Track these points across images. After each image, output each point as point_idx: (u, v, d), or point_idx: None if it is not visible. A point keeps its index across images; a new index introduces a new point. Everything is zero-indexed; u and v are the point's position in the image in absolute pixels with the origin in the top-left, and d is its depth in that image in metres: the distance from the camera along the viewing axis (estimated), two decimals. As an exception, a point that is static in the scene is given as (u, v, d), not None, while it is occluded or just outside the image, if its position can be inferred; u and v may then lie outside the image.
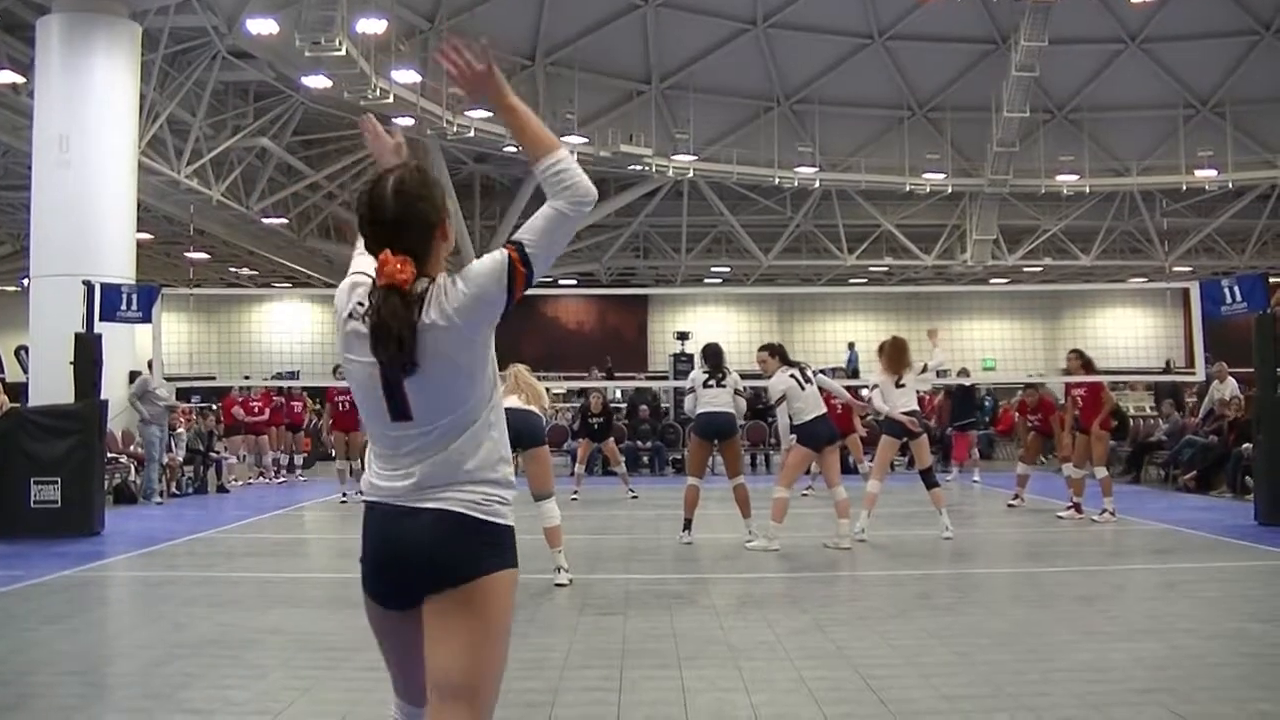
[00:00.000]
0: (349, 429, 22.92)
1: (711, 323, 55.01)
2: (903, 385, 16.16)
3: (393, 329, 4.02)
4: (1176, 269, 52.97)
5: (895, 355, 16.33)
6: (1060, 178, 49.18)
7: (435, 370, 4.11)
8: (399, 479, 4.28)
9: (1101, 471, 18.22)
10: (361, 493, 4.45)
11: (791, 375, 15.19)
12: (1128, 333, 54.22)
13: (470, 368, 4.21)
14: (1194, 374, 20.94)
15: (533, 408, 12.56)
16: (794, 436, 14.98)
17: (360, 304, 4.21)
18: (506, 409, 4.70)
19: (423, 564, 4.27)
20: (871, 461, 17.53)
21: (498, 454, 4.29)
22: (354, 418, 21.79)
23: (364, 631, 9.51)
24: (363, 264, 4.48)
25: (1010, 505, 20.08)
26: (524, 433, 11.90)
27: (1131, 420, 28.93)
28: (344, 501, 21.72)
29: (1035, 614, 10.49)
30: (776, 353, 15.65)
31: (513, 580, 4.44)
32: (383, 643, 4.86)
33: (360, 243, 4.48)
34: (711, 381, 15.47)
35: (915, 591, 11.83)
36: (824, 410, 15.40)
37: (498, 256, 4.20)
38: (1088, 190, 49.97)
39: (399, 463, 4.28)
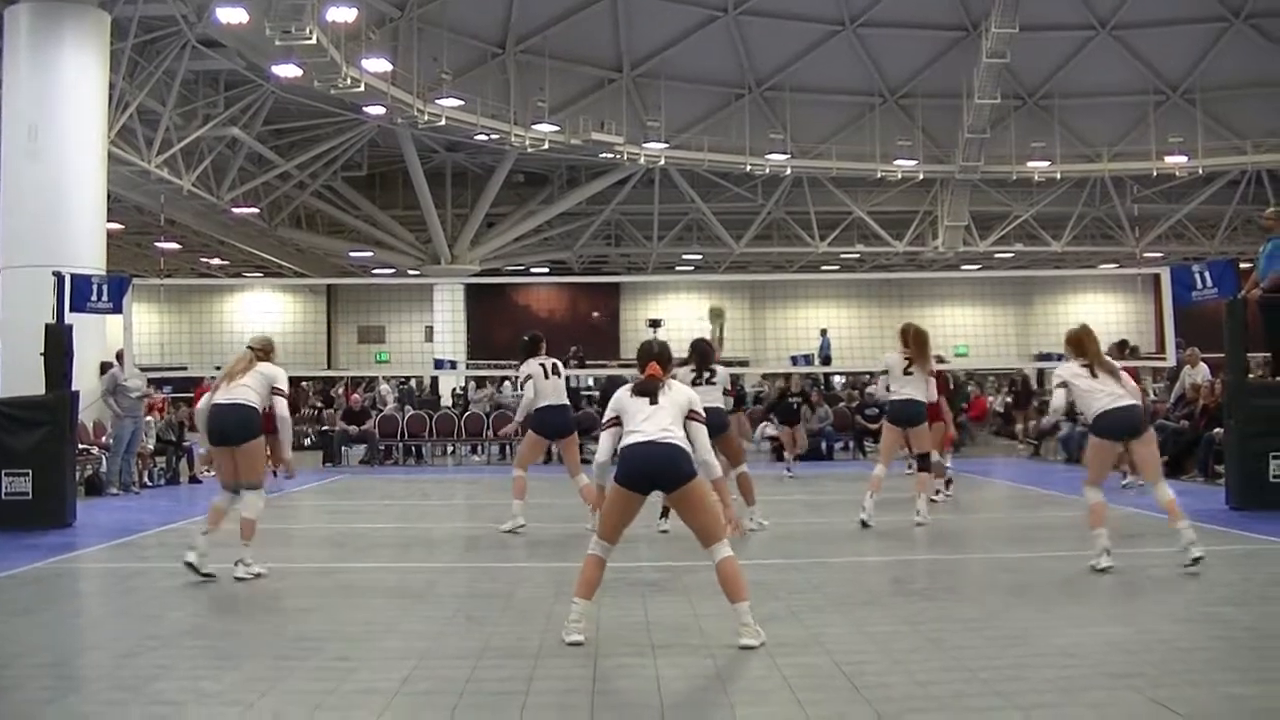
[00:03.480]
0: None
1: (683, 309, 54.97)
2: (910, 374, 16.08)
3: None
4: (1147, 255, 53.20)
5: (919, 344, 16.27)
6: (1031, 164, 49.34)
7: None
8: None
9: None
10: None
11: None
12: (1099, 318, 53.68)
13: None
14: (1165, 359, 20.97)
15: (245, 400, 12.01)
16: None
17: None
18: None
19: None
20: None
21: None
22: None
23: (337, 621, 9.53)
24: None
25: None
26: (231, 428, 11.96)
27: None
28: None
29: (1008, 600, 10.49)
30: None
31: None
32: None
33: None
34: (700, 380, 15.48)
35: (889, 578, 11.85)
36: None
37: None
38: (1059, 176, 50.19)
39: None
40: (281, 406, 12.34)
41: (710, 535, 8.79)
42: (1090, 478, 12.09)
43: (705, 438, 9.01)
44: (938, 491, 18.25)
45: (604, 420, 9.23)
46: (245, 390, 11.97)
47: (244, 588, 11.68)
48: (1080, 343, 12.38)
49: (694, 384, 15.17)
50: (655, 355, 9.32)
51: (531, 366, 16.12)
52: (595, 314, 58.25)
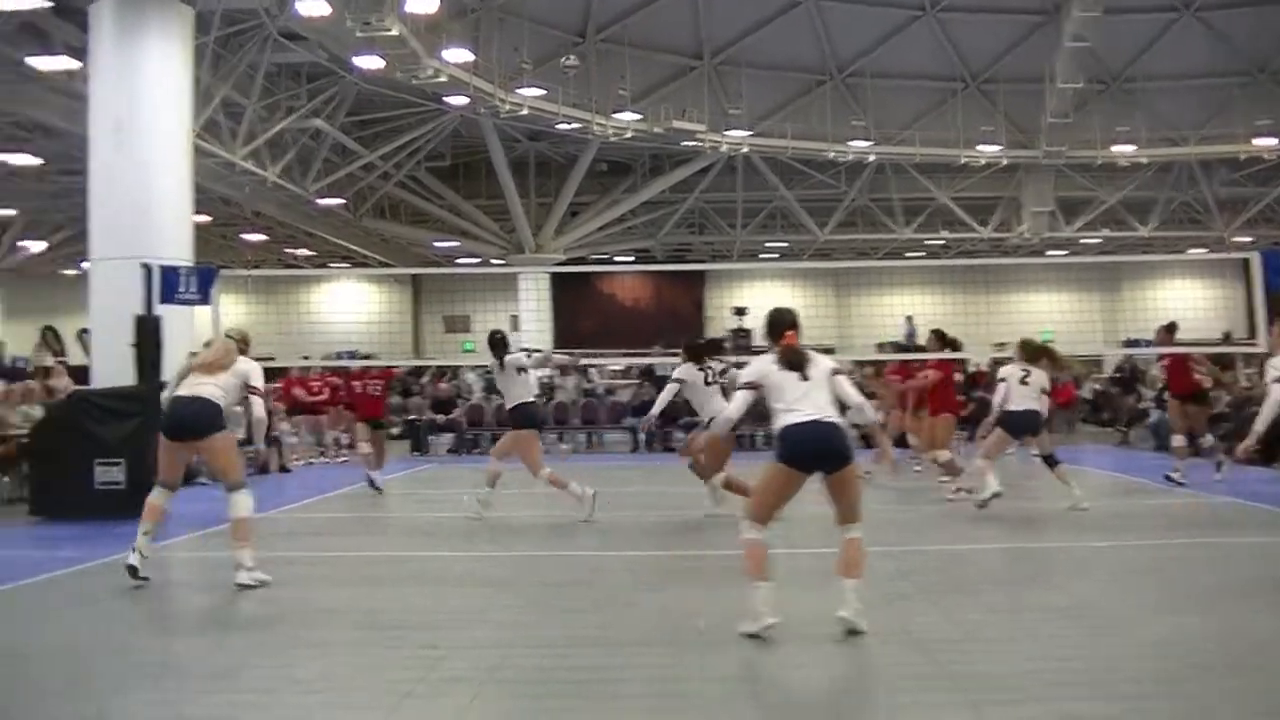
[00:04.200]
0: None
1: (767, 298, 54.79)
2: (1027, 384, 16.14)
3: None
4: (1236, 239, 52.56)
5: (1035, 357, 16.46)
6: (1116, 148, 48.73)
7: None
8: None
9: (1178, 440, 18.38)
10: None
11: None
12: (1187, 304, 53.67)
13: None
14: (1256, 345, 20.74)
15: (209, 395, 11.28)
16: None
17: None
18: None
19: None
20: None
21: None
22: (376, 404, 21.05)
23: (425, 610, 9.56)
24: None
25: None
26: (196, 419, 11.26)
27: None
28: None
29: (1099, 588, 10.42)
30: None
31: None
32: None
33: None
34: (710, 378, 15.56)
35: (979, 566, 11.79)
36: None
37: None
38: (1144, 161, 49.54)
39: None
40: (257, 406, 11.73)
41: (853, 514, 8.88)
42: None
43: (853, 388, 9.16)
44: (958, 490, 18.15)
45: (742, 382, 9.21)
46: (212, 388, 11.29)
47: (333, 574, 11.77)
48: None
49: (706, 384, 15.42)
50: (792, 323, 9.25)
51: (520, 359, 16.44)
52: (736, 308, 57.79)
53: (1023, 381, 16.04)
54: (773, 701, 7.12)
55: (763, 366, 9.06)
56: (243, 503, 11.05)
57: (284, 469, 25.73)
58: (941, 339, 19.34)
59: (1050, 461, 16.28)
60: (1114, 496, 17.91)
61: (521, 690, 7.33)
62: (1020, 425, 16.06)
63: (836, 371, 9.00)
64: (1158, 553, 12.22)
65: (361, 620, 9.56)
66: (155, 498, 11.24)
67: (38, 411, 20.00)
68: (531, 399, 16.45)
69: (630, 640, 8.48)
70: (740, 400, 9.16)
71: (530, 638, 8.71)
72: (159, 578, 11.52)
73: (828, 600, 8.72)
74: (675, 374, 15.97)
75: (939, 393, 19.16)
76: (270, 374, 31.54)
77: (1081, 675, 7.41)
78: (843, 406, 8.97)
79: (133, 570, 10.79)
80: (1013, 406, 16.00)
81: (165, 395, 11.76)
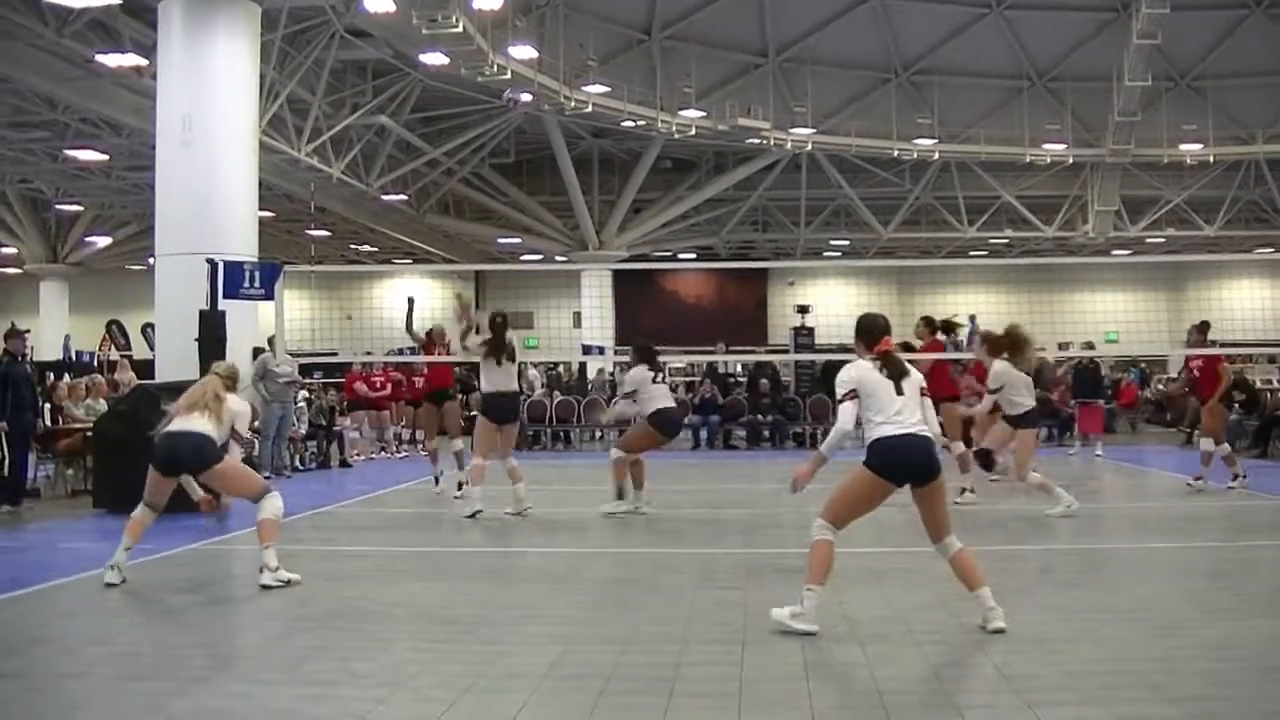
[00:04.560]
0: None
1: (831, 295, 54.84)
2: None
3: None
4: (1305, 239, 52.15)
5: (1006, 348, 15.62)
6: (1183, 147, 48.46)
7: None
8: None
9: (1209, 444, 18.07)
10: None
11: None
12: (1254, 304, 53.34)
13: None
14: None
15: (202, 429, 11.03)
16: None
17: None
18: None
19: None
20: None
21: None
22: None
23: (486, 605, 9.61)
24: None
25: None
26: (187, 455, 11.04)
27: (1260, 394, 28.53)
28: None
29: (1160, 590, 10.37)
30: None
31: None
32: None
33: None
34: (659, 378, 16.26)
35: (1037, 567, 11.73)
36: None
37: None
38: (1211, 159, 49.23)
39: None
40: (235, 453, 11.31)
41: (945, 528, 8.88)
42: None
43: (932, 411, 9.10)
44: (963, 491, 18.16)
45: (842, 394, 9.01)
46: (204, 422, 11.00)
47: (393, 569, 11.82)
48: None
49: (654, 383, 16.03)
50: (887, 329, 9.20)
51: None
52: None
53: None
54: (832, 701, 7.11)
55: (860, 374, 8.96)
56: (268, 505, 10.94)
57: (345, 464, 25.87)
58: (931, 326, 19.12)
59: (985, 459, 16.06)
60: (1176, 498, 17.77)
61: (581, 686, 7.34)
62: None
63: (923, 390, 8.96)
64: (1220, 555, 12.16)
65: (421, 615, 9.61)
66: (140, 514, 11.07)
67: (102, 405, 20.20)
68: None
69: (691, 638, 8.49)
70: (848, 412, 8.96)
71: (590, 634, 8.73)
72: (220, 572, 11.62)
73: (885, 599, 8.73)
74: (630, 375, 16.46)
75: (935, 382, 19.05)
76: (332, 369, 31.90)
77: (1141, 677, 7.38)
78: None
79: (109, 587, 10.63)
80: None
81: (158, 431, 11.27)
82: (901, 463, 8.67)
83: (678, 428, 17.26)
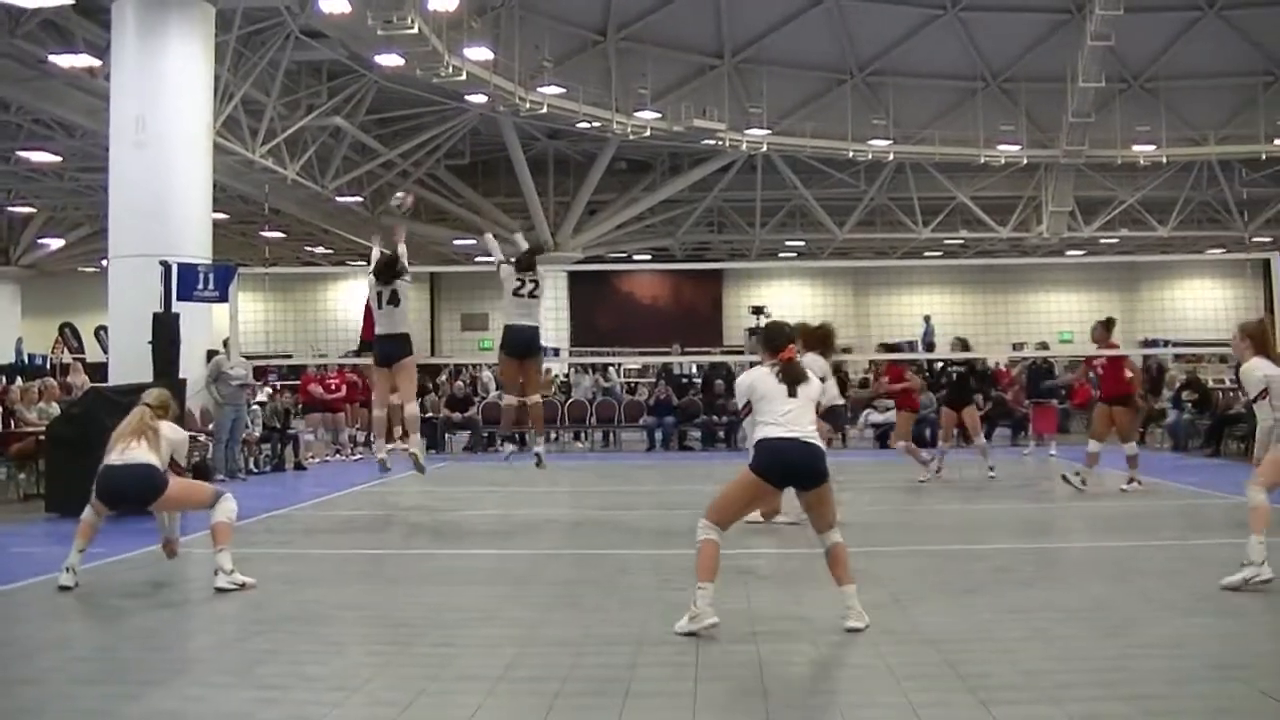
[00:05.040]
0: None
1: (786, 296, 55.00)
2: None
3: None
4: (1256, 239, 52.48)
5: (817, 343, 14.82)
6: (1136, 148, 48.72)
7: None
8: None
9: (1095, 445, 18.15)
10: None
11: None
12: (1206, 304, 53.72)
13: None
14: (1275, 347, 20.71)
15: (144, 460, 10.82)
16: None
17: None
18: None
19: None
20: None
21: None
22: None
23: (440, 608, 9.60)
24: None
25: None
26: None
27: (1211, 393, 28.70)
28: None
29: (1113, 588, 10.42)
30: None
31: None
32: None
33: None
34: (524, 290, 16.07)
35: (992, 566, 11.76)
36: None
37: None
38: (1165, 160, 49.49)
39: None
40: (173, 486, 11.02)
41: (831, 521, 9.02)
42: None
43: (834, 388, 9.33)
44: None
45: (741, 406, 9.24)
46: (144, 453, 10.81)
47: (348, 571, 11.81)
48: None
49: (516, 294, 16.29)
50: (792, 338, 9.37)
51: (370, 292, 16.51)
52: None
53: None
54: (786, 700, 7.12)
55: (754, 380, 9.16)
56: (222, 508, 10.93)
57: (300, 466, 25.81)
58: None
59: None
60: (1129, 497, 17.85)
61: (536, 688, 7.35)
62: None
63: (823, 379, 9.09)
64: (1173, 553, 12.23)
65: (376, 618, 9.60)
66: (90, 516, 10.96)
67: (54, 409, 20.11)
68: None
69: (646, 639, 8.50)
70: (750, 424, 9.18)
71: (545, 636, 8.73)
72: (174, 575, 11.57)
73: (842, 599, 8.76)
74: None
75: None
76: (288, 371, 31.80)
77: (1094, 675, 7.42)
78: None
79: (64, 590, 10.54)
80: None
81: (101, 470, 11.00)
82: (784, 465, 8.85)
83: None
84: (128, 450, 10.82)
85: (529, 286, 15.80)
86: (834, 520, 9.05)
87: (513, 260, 16.27)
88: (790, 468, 8.90)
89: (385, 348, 15.92)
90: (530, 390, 16.22)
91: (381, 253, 16.31)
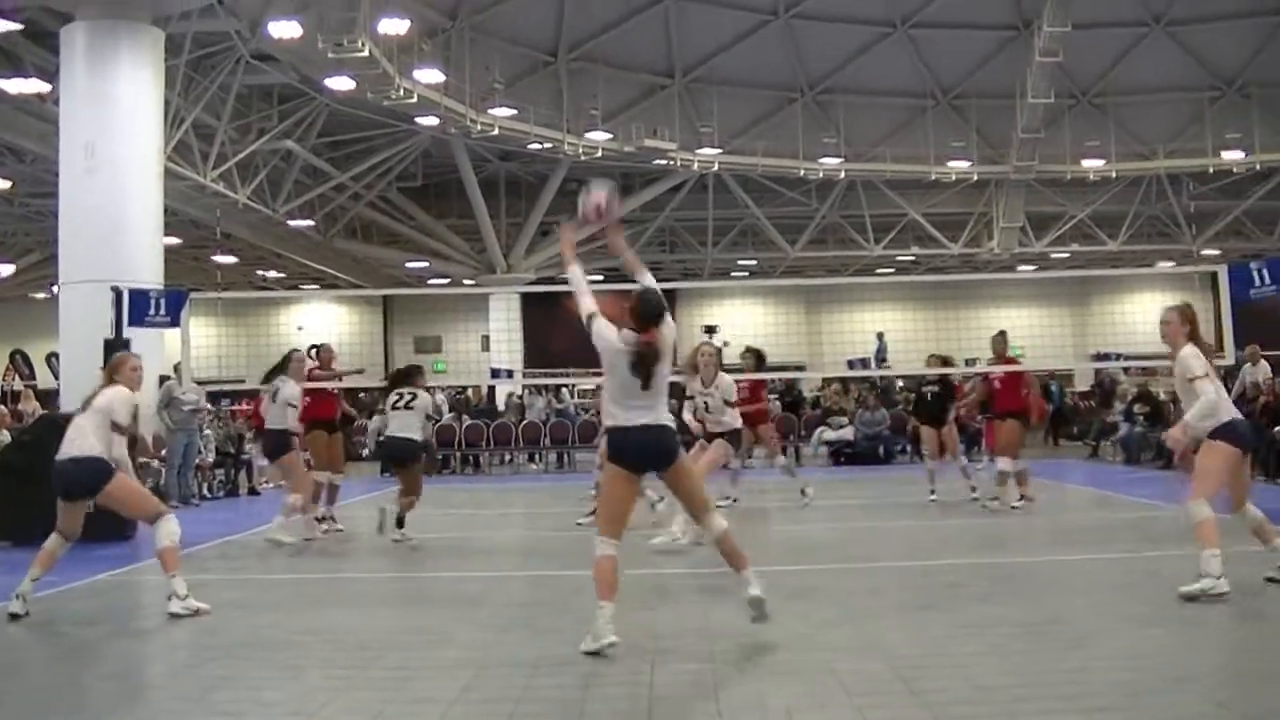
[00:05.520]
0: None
1: (738, 315, 55.15)
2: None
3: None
4: (1205, 252, 52.89)
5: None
6: (1086, 163, 49.11)
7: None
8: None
9: (1006, 464, 17.87)
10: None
11: None
12: (1156, 317, 53.88)
13: None
14: (1224, 358, 20.82)
15: (83, 453, 10.66)
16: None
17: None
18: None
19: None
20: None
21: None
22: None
23: (395, 631, 9.57)
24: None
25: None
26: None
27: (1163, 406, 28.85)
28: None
29: (1069, 602, 10.45)
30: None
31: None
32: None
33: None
34: (400, 404, 15.79)
35: (946, 582, 11.78)
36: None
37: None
38: (1114, 175, 49.90)
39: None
40: (118, 448, 10.78)
41: (702, 504, 9.14)
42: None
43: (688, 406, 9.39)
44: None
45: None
46: (82, 441, 10.66)
47: (307, 594, 11.76)
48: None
49: (394, 408, 15.73)
50: (660, 315, 9.33)
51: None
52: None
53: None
54: (745, 718, 7.14)
55: (615, 342, 9.23)
56: (165, 531, 10.66)
57: (254, 491, 25.70)
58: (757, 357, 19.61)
59: None
60: (1084, 510, 17.95)
61: (491, 710, 7.34)
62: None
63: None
64: (1129, 566, 12.28)
65: (331, 642, 9.55)
66: (52, 545, 10.72)
67: (5, 436, 19.97)
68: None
69: (600, 660, 8.48)
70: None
71: (500, 658, 8.71)
72: (127, 603, 11.52)
73: (799, 615, 8.77)
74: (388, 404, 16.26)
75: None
76: (241, 396, 31.66)
77: (1051, 689, 7.43)
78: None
79: (12, 618, 10.26)
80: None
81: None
82: (635, 447, 8.89)
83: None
84: (71, 442, 10.74)
85: (405, 399, 15.79)
86: (706, 501, 9.13)
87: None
88: (641, 449, 8.95)
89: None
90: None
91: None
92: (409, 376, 16.32)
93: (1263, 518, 10.60)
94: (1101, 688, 7.47)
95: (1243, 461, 10.63)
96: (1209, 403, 10.43)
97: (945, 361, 20.71)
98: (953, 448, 20.38)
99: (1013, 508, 17.60)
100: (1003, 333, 19.12)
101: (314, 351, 18.00)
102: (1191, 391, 10.62)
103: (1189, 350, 10.86)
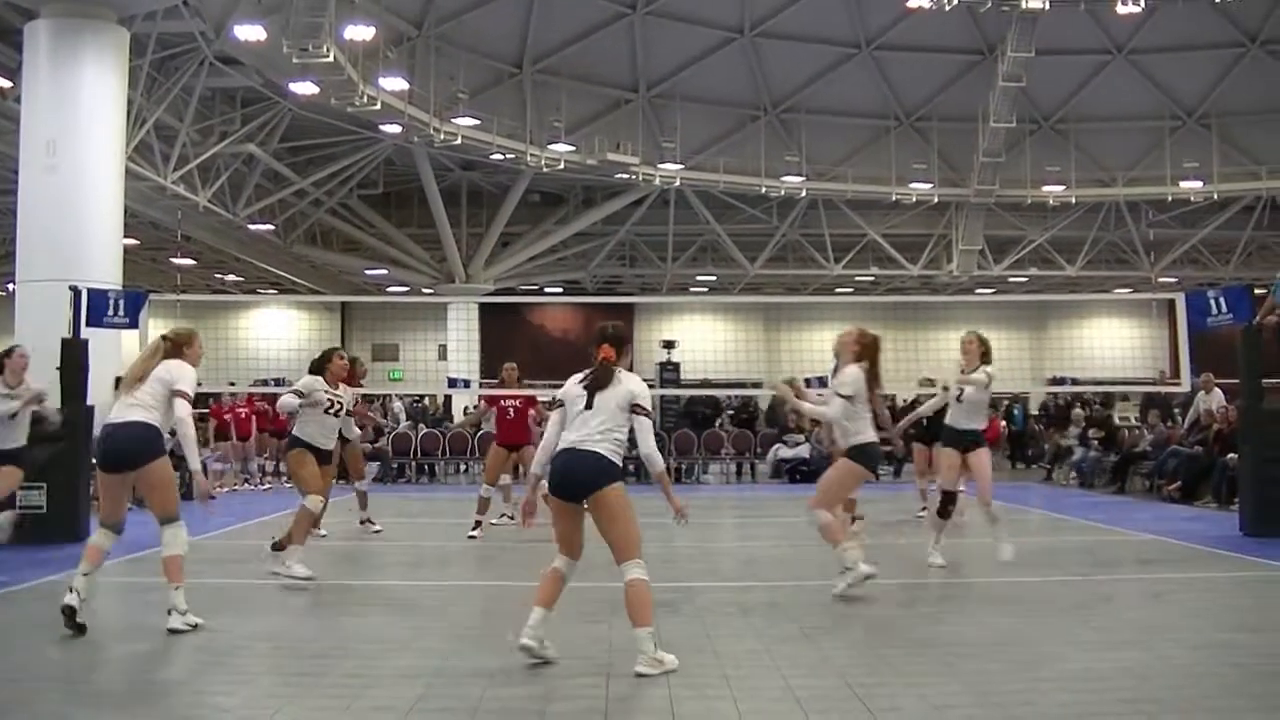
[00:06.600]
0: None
1: (697, 331, 55.21)
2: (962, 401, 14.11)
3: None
4: (1162, 280, 53.17)
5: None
6: (1046, 188, 49.38)
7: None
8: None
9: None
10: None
11: None
12: (1113, 343, 54.25)
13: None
14: (1179, 385, 20.94)
15: (139, 418, 10.16)
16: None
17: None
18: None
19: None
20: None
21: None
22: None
23: (351, 639, 9.54)
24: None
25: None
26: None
27: (1119, 431, 29.01)
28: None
29: (1021, 623, 10.49)
30: None
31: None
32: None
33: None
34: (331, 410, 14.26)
35: (901, 600, 11.82)
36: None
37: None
38: (1074, 201, 50.14)
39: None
40: (181, 409, 10.28)
41: (623, 551, 8.81)
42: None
43: (650, 433, 9.05)
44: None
45: (555, 398, 9.23)
46: (137, 409, 10.15)
47: (258, 601, 11.72)
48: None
49: (326, 412, 14.05)
50: (610, 337, 9.23)
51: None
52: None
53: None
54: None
55: (569, 386, 9.13)
56: (176, 539, 10.18)
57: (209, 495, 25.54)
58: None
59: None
60: (1037, 533, 18.03)
61: (445, 720, 7.34)
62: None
63: (638, 409, 9.00)
64: (1080, 588, 12.33)
65: (284, 649, 9.52)
66: (97, 539, 10.22)
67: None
68: None
69: (556, 672, 8.48)
70: (553, 421, 9.18)
71: (457, 668, 8.70)
72: (83, 605, 11.46)
73: (753, 631, 8.77)
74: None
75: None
76: (195, 400, 31.50)
77: (1001, 710, 7.46)
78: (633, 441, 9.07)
79: (69, 612, 9.72)
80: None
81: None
82: (554, 475, 8.87)
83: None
84: (127, 407, 10.21)
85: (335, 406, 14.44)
86: (630, 549, 8.81)
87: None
88: (562, 478, 8.86)
89: None
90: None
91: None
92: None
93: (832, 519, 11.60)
94: (1053, 709, 7.52)
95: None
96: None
97: (932, 384, 20.75)
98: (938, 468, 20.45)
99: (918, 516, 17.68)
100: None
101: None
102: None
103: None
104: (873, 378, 11.63)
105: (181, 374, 10.42)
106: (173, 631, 9.88)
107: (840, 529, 11.22)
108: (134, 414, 10.11)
